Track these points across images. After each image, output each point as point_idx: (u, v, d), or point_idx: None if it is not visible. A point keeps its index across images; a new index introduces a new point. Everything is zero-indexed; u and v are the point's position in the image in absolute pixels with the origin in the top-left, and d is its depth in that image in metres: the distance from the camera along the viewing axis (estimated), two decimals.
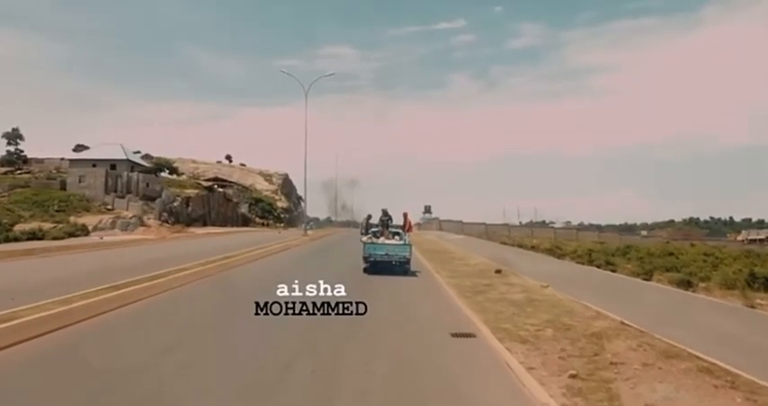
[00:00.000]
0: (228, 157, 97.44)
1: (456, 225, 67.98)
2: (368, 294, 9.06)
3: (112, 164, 47.44)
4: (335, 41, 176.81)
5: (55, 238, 25.48)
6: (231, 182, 76.56)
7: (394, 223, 14.91)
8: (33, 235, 25.47)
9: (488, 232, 62.60)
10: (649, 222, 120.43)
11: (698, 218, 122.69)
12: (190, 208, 48.63)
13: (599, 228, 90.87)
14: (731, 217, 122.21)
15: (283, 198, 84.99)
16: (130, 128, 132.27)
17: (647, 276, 14.43)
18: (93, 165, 45.73)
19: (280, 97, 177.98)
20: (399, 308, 8.37)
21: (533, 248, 25.15)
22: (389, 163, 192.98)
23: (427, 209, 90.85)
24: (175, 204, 45.86)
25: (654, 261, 20.93)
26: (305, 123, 40.44)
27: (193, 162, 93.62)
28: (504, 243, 28.72)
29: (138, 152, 61.47)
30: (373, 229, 14.49)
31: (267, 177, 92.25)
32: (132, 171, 47.06)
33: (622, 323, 7.19)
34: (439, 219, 73.44)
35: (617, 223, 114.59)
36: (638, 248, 26.18)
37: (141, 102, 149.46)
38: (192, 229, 42.41)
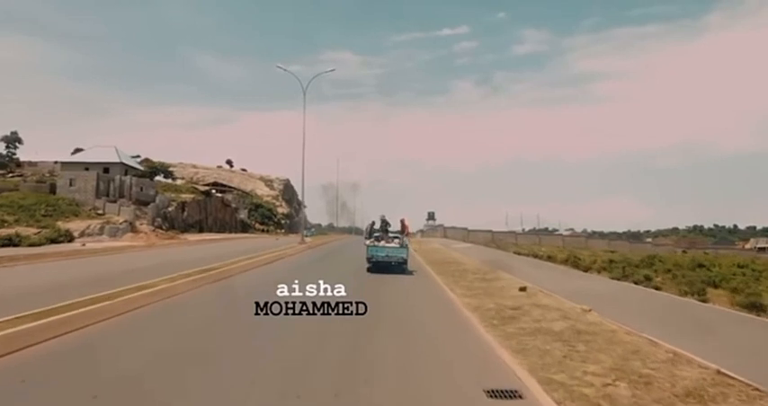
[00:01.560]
0: (229, 162, 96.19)
1: (461, 233, 65.91)
2: (369, 307, 7.55)
3: (105, 168, 45.86)
4: (338, 47, 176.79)
5: (32, 244, 23.65)
6: (231, 187, 75.04)
7: (392, 228, 16.75)
8: (10, 241, 23.65)
9: (494, 239, 60.56)
10: (653, 229, 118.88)
11: (702, 226, 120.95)
12: (186, 214, 46.87)
13: (602, 235, 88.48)
14: (735, 225, 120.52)
15: (284, 203, 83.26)
16: (134, 133, 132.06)
17: (700, 295, 12.31)
18: (86, 168, 44.11)
19: (283, 102, 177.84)
20: (410, 346, 6.36)
21: (550, 258, 23.05)
22: (392, 169, 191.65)
23: (431, 216, 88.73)
24: (170, 209, 44.11)
25: (686, 274, 18.90)
26: (303, 122, 38.71)
27: (194, 166, 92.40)
28: (518, 253, 26.55)
29: (138, 156, 59.86)
30: (376, 234, 16.25)
31: (268, 182, 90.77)
32: (126, 174, 45.41)
33: (720, 373, 5.21)
34: (444, 226, 71.35)
35: (620, 230, 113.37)
36: (662, 258, 24.14)
37: (145, 107, 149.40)
38: (186, 235, 40.61)
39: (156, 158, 71.26)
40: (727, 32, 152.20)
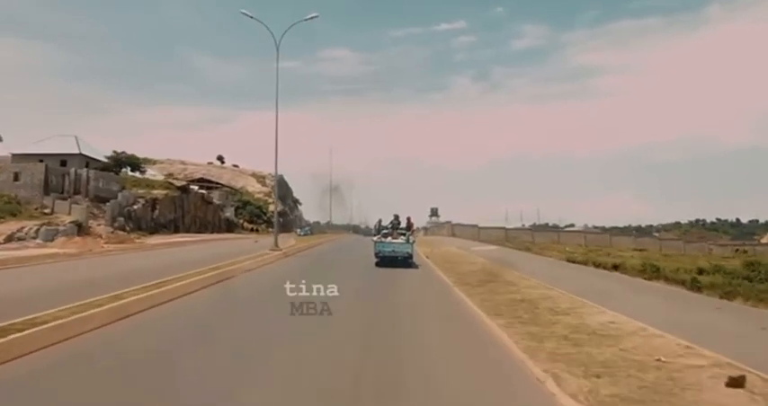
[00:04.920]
0: (220, 158, 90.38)
1: (470, 231, 59.12)
2: None
3: (63, 160, 39.70)
4: (335, 44, 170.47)
5: None
6: (218, 184, 68.79)
7: (401, 226, 17.42)
8: None
9: (509, 238, 54.11)
10: (654, 223, 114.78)
11: (704, 220, 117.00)
12: (156, 212, 40.54)
13: (604, 230, 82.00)
14: (738, 219, 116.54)
15: (278, 200, 77.13)
16: (134, 133, 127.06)
17: None
18: (41, 160, 37.95)
19: (282, 101, 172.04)
20: None
21: (617, 268, 16.56)
22: (389, 165, 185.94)
23: (434, 212, 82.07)
24: (136, 207, 37.76)
25: None
26: (281, 104, 32.49)
27: (182, 163, 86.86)
28: (572, 261, 19.76)
29: (123, 152, 53.56)
30: (384, 231, 17.19)
31: (260, 178, 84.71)
32: (87, 167, 39.15)
33: None
34: (451, 223, 64.65)
35: (621, 225, 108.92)
36: None
37: (145, 107, 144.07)
38: (152, 237, 34.29)
39: (154, 157, 64.78)
40: (727, 25, 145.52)
